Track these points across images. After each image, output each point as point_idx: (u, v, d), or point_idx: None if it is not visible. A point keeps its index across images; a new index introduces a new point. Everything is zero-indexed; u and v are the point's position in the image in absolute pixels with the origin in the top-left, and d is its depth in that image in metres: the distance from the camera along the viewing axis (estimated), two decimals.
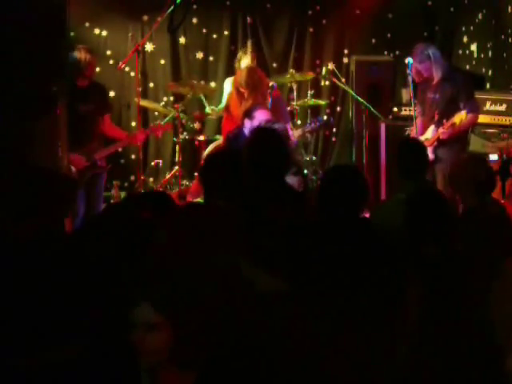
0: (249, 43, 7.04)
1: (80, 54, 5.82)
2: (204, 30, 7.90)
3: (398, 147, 4.49)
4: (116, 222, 3.21)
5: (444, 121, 5.69)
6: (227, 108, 6.17)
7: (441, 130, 5.70)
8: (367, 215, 4.08)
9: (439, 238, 3.14)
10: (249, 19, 7.91)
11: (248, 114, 5.12)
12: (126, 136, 6.15)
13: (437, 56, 5.81)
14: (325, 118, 7.25)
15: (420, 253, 3.12)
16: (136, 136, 6.14)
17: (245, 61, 6.91)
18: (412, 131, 6.05)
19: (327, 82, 7.93)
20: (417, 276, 3.03)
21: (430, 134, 5.80)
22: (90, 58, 5.82)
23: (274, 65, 7.99)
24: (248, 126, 5.07)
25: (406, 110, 6.96)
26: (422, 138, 5.74)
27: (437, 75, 5.77)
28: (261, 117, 5.00)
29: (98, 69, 6.28)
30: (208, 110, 6.76)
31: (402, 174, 4.25)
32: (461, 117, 5.63)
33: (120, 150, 6.68)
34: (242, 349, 2.59)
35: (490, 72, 7.08)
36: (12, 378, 2.66)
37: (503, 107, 6.02)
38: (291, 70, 7.38)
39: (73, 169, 5.58)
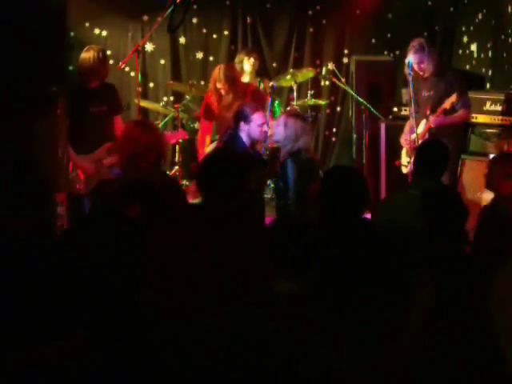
0: (245, 50, 7.12)
1: (90, 53, 5.71)
2: (204, 30, 7.90)
3: (420, 145, 4.48)
4: (104, 221, 3.23)
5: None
6: (207, 108, 6.12)
7: (432, 117, 5.73)
8: (367, 215, 4.08)
9: (454, 236, 3.14)
10: (249, 19, 7.92)
11: (243, 116, 5.13)
12: None
13: (431, 51, 5.87)
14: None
15: (433, 251, 3.12)
16: None
17: (246, 64, 6.93)
18: (404, 133, 6.07)
19: (327, 82, 7.94)
20: (429, 275, 3.02)
21: (421, 128, 5.83)
22: (104, 59, 5.72)
23: (274, 65, 7.99)
24: (245, 129, 5.11)
25: (405, 110, 6.95)
26: (413, 136, 5.76)
27: (428, 70, 5.83)
28: (258, 121, 5.06)
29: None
30: None
31: (418, 171, 4.21)
32: (451, 100, 5.67)
33: None
34: (252, 349, 2.60)
35: (490, 72, 7.07)
36: (11, 377, 2.67)
37: (503, 107, 6.02)
38: (291, 70, 7.39)
39: (81, 175, 5.54)
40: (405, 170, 5.96)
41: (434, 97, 5.87)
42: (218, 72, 5.91)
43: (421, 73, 5.88)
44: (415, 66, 5.81)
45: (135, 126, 4.37)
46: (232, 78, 5.89)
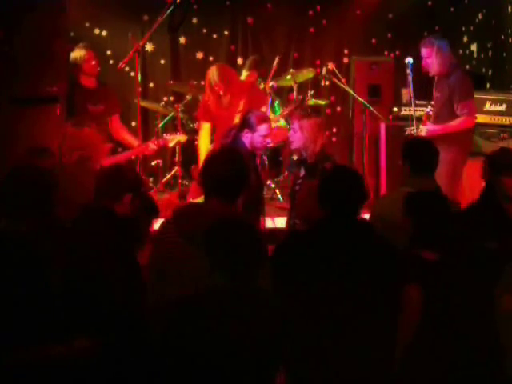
0: (251, 59, 7.13)
1: (76, 52, 5.82)
2: (204, 30, 7.90)
3: (413, 143, 4.44)
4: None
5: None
6: (206, 109, 6.08)
7: (421, 126, 5.64)
8: (367, 215, 4.08)
9: (441, 240, 3.14)
10: (249, 19, 7.92)
11: (249, 124, 5.12)
12: (139, 145, 5.95)
13: (441, 47, 5.57)
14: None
15: (421, 254, 3.12)
16: (147, 146, 5.90)
17: (245, 73, 6.94)
18: (411, 131, 6.03)
19: (327, 82, 7.94)
20: (417, 278, 3.03)
21: (423, 133, 5.78)
22: (86, 54, 5.81)
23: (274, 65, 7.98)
24: (249, 136, 5.10)
25: (405, 110, 6.96)
26: None
27: (434, 68, 5.60)
28: (263, 132, 5.07)
29: (98, 68, 6.26)
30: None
31: (413, 170, 4.17)
32: (425, 115, 5.63)
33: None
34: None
35: (490, 72, 7.07)
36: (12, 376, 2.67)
37: (503, 107, 6.02)
38: (291, 70, 7.39)
39: None
40: None
41: (439, 99, 5.72)
42: (212, 73, 5.88)
43: (427, 68, 5.67)
44: (424, 61, 5.57)
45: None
46: (227, 77, 5.86)
